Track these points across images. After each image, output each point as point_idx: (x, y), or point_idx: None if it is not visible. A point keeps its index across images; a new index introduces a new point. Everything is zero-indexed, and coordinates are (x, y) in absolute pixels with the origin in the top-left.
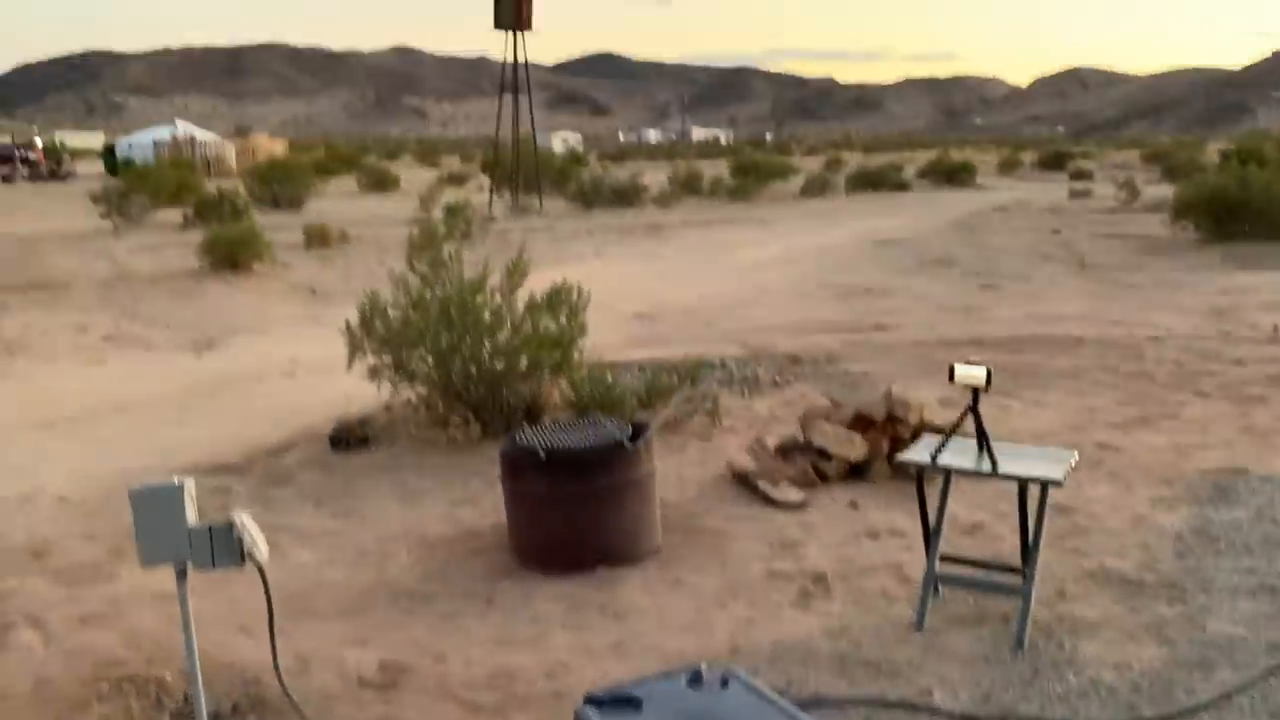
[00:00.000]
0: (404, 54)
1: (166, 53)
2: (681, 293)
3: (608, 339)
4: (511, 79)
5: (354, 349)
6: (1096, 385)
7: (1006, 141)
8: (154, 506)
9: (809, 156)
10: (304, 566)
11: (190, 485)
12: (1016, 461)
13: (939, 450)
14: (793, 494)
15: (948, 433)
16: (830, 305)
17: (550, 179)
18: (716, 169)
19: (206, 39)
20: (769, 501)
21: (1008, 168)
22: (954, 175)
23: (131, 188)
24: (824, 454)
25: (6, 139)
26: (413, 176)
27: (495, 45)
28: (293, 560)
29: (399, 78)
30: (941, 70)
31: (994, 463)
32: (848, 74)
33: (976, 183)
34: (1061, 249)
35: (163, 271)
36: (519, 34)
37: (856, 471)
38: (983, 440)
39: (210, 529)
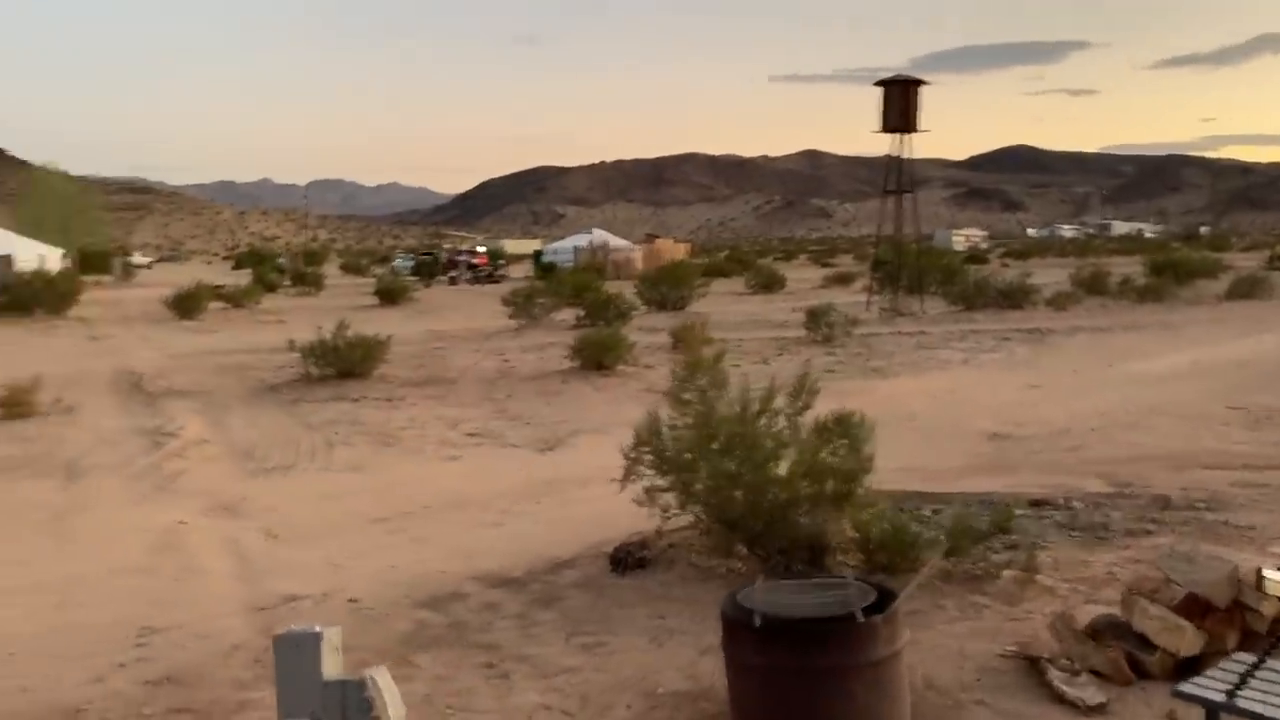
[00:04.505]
0: (811, 157)
1: (601, 166)
2: (1051, 409)
3: (948, 462)
4: (897, 179)
5: (629, 469)
6: None
7: None
8: (295, 654)
9: (1249, 252)
10: (519, 709)
11: (333, 635)
12: None
13: (1241, 684)
14: (1091, 692)
15: (1259, 658)
16: (1235, 433)
17: (937, 279)
18: (1132, 267)
19: (634, 152)
20: (1059, 699)
21: None
22: None
23: (534, 290)
24: (1145, 642)
25: (465, 246)
26: (803, 276)
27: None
28: (513, 701)
29: (805, 180)
30: None
31: None
32: None
33: None
34: None
35: (540, 370)
36: (908, 134)
37: (1186, 669)
38: None
39: (344, 685)
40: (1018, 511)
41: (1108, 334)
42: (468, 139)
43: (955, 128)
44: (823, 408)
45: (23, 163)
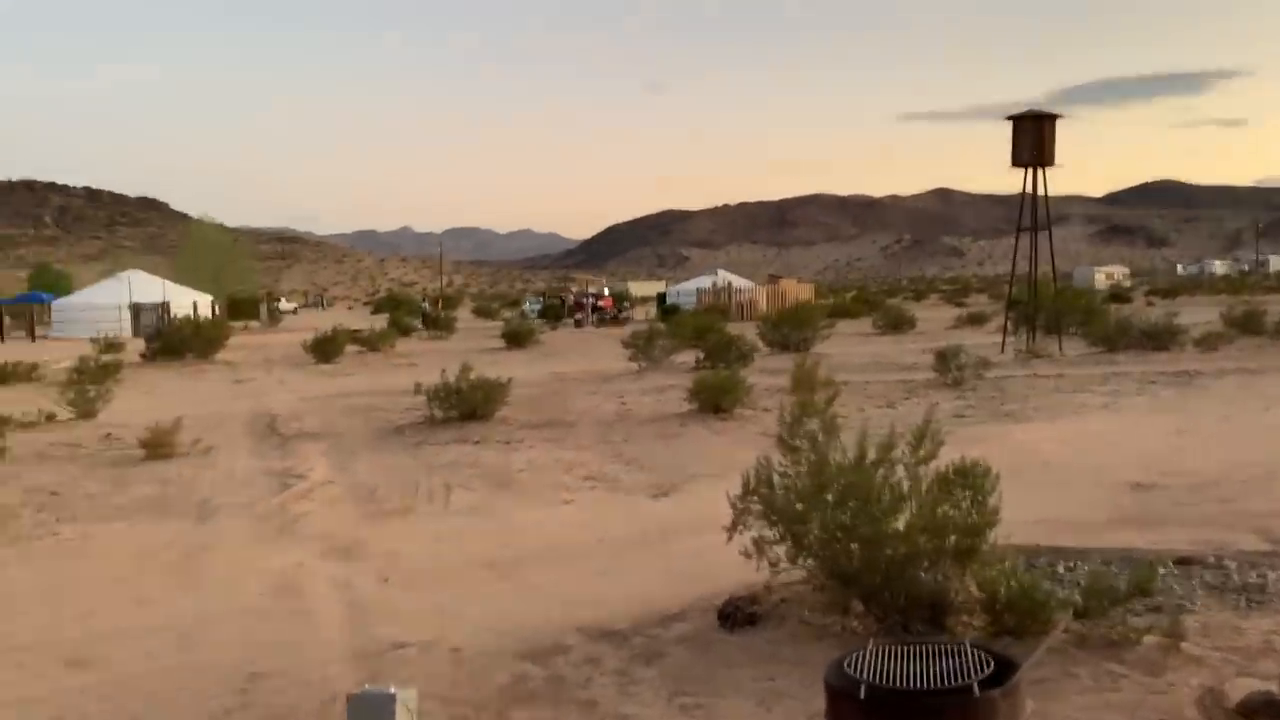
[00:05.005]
0: (942, 195)
1: (724, 209)
2: (1201, 458)
3: (1086, 514)
4: (1032, 216)
5: (737, 518)
6: None
7: None
8: (368, 715)
9: None
10: None
11: (409, 697)
12: None
13: None
14: None
15: None
16: None
17: (1077, 319)
18: None
19: (758, 195)
20: None
21: None
22: None
23: (655, 333)
24: None
25: (591, 289)
26: (934, 316)
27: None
28: None
29: (936, 218)
30: None
31: None
32: None
33: None
34: None
35: (657, 413)
36: (1041, 170)
37: None
38: None
39: None
40: (1162, 570)
41: (1263, 376)
42: (596, 186)
43: (1096, 163)
44: (951, 454)
45: (183, 216)
